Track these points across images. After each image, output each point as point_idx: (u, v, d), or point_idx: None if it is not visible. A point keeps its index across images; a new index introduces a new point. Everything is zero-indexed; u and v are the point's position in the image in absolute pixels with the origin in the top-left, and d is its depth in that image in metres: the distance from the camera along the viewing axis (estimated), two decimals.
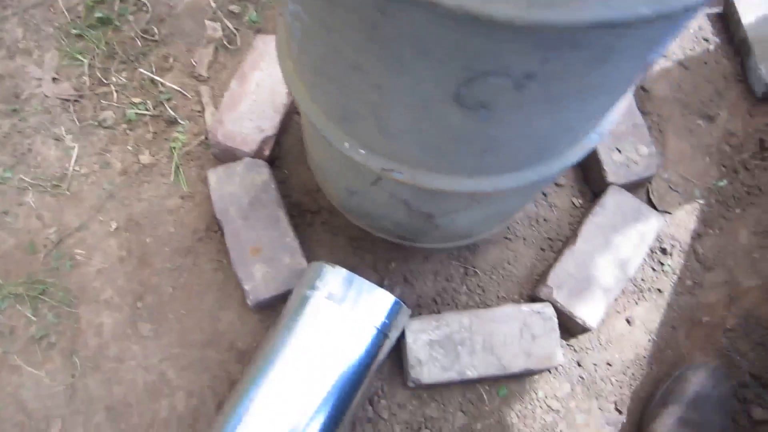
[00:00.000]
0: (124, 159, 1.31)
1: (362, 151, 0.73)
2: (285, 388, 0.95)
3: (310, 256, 1.23)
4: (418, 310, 1.23)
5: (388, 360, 1.19)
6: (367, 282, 1.00)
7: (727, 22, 1.52)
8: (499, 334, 1.15)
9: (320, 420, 0.94)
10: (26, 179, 1.28)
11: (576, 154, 0.73)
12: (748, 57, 1.45)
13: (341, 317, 0.98)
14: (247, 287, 1.15)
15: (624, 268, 1.21)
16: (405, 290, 1.25)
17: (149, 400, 1.15)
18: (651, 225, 1.25)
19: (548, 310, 1.17)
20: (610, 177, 1.27)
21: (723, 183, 1.39)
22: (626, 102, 0.73)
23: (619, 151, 1.27)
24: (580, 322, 1.17)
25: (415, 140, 0.66)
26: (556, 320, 1.17)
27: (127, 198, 1.28)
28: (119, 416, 1.14)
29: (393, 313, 1.02)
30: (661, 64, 1.47)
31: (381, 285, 1.24)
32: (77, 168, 1.30)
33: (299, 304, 1.01)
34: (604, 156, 1.27)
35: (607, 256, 1.22)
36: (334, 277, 1.01)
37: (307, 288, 1.02)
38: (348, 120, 0.70)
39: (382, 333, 1.01)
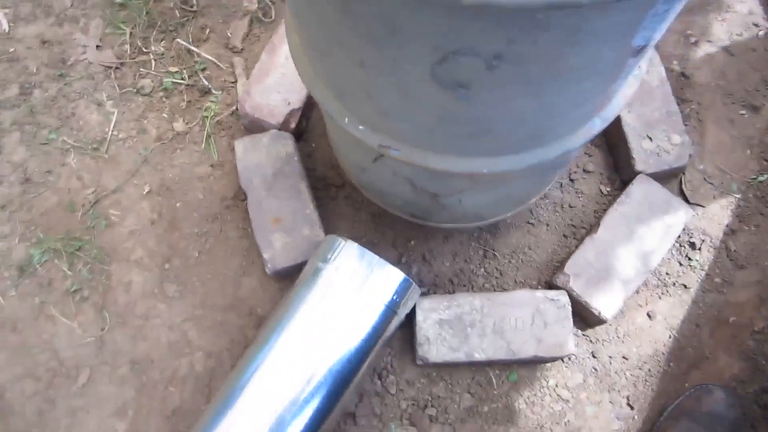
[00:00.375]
0: (159, 126, 1.37)
1: (361, 128, 0.74)
2: (292, 356, 0.98)
3: (332, 229, 1.25)
4: (434, 289, 1.24)
5: (399, 337, 1.20)
6: (378, 258, 1.01)
7: None
8: (510, 319, 1.14)
9: (323, 390, 0.97)
10: (69, 141, 1.35)
11: (577, 139, 0.72)
12: None
13: (351, 291, 1.00)
14: (266, 256, 1.19)
15: (646, 260, 1.18)
16: (422, 269, 1.25)
17: (171, 358, 1.21)
18: (678, 217, 1.20)
19: (563, 298, 1.15)
20: (639, 165, 1.22)
21: (763, 177, 1.32)
22: (634, 88, 0.71)
23: (650, 138, 1.23)
24: (595, 312, 1.15)
25: (406, 118, 0.66)
26: (570, 309, 1.15)
27: (160, 163, 1.34)
28: (142, 370, 1.20)
29: (402, 291, 1.03)
30: (704, 49, 1.40)
31: (399, 262, 1.25)
32: (116, 133, 1.36)
33: (311, 275, 1.04)
34: (633, 143, 1.23)
35: (629, 246, 1.18)
36: (346, 252, 1.02)
37: (320, 260, 1.04)
38: (345, 96, 0.71)
39: (391, 309, 1.02)
